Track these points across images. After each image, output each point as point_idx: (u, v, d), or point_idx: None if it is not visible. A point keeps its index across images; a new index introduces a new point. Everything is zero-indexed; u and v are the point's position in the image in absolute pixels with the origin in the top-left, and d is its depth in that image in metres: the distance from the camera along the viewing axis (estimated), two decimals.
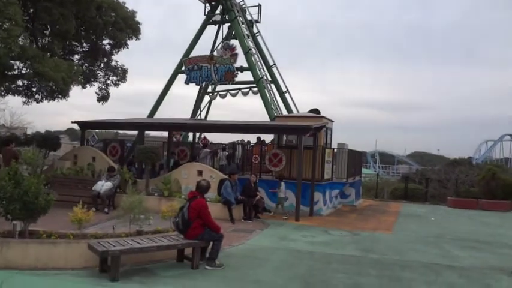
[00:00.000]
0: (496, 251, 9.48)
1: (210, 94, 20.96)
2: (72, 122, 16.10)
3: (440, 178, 25.79)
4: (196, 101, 22.29)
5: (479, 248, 9.74)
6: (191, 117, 21.44)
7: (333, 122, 15.43)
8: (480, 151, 79.43)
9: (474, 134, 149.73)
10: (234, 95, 20.49)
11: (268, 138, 16.78)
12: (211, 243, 6.81)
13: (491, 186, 18.43)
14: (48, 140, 16.66)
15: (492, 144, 78.74)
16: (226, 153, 16.64)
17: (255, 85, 19.49)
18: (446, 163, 37.08)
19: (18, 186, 6.22)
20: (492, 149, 78.79)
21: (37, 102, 17.95)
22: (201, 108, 22.58)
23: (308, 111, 15.94)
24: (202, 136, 19.17)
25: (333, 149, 15.19)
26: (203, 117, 22.47)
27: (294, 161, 13.39)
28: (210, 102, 22.54)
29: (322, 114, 14.82)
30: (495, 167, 21.35)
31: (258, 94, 19.35)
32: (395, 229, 11.91)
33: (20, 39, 14.57)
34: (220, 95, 20.72)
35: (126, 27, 19.52)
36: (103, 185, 11.79)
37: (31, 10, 17.19)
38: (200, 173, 12.52)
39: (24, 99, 17.91)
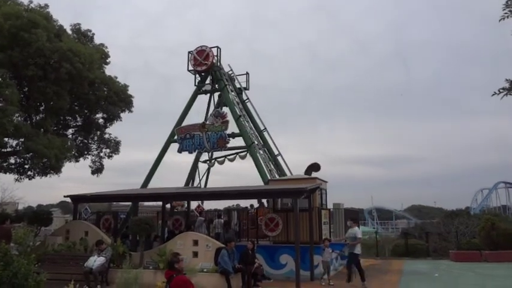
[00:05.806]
0: None
1: (208, 162, 20.89)
2: (64, 196, 15.94)
3: (440, 231, 25.41)
4: (191, 169, 22.26)
5: None
6: (185, 185, 21.26)
7: (326, 182, 15.46)
8: (477, 200, 79.21)
9: (468, 183, 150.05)
10: (231, 160, 20.52)
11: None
12: None
13: (493, 236, 18.20)
14: (39, 216, 16.35)
15: (487, 192, 78.79)
16: (222, 220, 16.41)
17: (243, 150, 19.64)
18: (444, 215, 36.70)
19: (7, 267, 6.04)
20: (488, 198, 78.65)
21: (29, 179, 17.79)
22: (200, 177, 22.41)
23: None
24: (197, 204, 18.93)
25: (329, 209, 15.09)
26: (202, 185, 22.25)
27: (290, 224, 13.21)
28: (208, 169, 22.44)
29: (316, 174, 14.89)
30: (493, 217, 21.23)
31: (248, 157, 19.53)
32: None
33: (14, 117, 14.89)
34: (218, 161, 20.72)
35: (119, 101, 20.02)
36: (95, 261, 11.44)
37: (26, 89, 17.72)
38: (196, 242, 12.25)
39: (16, 176, 17.80)
